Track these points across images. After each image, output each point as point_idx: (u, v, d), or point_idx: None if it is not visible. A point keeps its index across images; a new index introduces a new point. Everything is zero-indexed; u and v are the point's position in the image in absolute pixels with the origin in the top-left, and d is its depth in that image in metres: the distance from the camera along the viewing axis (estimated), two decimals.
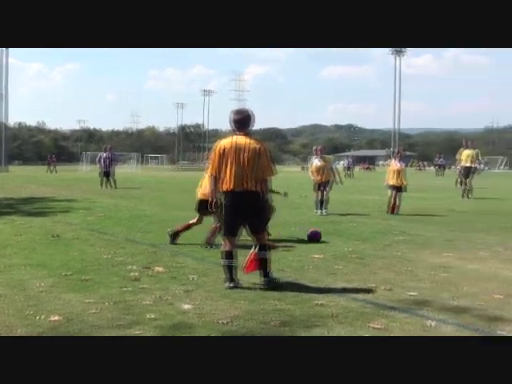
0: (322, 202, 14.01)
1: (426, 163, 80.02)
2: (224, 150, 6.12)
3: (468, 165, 20.51)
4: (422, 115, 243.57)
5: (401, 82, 71.85)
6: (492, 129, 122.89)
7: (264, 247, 6.22)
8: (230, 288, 6.01)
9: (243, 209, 6.14)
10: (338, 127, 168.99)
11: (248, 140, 6.10)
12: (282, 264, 7.33)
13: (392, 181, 14.37)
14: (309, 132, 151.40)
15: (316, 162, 14.27)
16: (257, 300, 5.59)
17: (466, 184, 20.33)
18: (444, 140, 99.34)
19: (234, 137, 6.18)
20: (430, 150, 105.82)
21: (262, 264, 6.17)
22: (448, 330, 4.77)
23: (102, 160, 25.39)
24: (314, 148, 14.79)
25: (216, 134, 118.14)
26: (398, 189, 14.27)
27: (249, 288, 6.04)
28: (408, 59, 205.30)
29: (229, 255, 6.15)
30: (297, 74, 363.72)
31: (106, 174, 25.13)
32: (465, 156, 20.80)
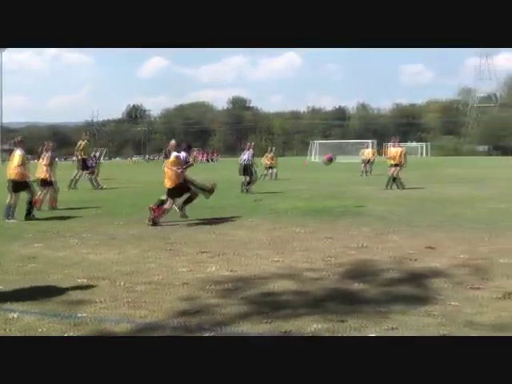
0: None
1: (30, 156, 78.17)
2: None
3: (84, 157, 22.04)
4: (25, 109, 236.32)
5: (2, 76, 67.94)
6: (93, 122, 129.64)
7: None
8: None
9: None
10: None
11: None
12: None
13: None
14: None
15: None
16: None
17: (92, 174, 21.84)
18: (49, 133, 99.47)
19: None
20: (37, 143, 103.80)
21: None
22: (31, 319, 4.92)
23: None
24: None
25: None
26: (48, 183, 13.95)
27: None
28: (10, 54, 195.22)
29: None
30: None
31: None
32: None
